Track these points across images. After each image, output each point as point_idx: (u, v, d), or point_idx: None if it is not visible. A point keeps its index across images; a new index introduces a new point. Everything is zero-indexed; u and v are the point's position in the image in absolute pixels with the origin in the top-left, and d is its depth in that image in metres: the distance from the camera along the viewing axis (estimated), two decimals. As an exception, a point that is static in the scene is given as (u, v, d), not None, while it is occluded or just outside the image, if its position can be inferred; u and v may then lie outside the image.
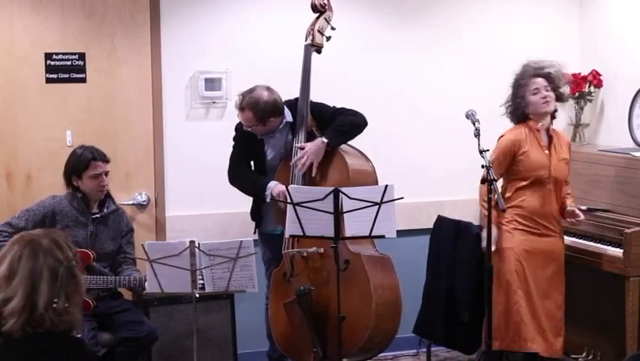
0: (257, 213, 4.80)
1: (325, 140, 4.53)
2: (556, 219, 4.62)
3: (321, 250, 4.45)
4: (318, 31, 4.66)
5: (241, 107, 4.59)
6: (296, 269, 4.56)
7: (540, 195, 4.54)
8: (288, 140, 4.69)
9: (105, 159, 4.49)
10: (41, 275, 2.52)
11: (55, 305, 2.51)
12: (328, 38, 4.70)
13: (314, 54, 4.67)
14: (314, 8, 4.71)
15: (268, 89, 4.60)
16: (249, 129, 4.62)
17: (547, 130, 4.61)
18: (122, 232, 4.59)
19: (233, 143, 4.77)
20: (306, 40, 4.68)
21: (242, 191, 4.76)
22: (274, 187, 4.56)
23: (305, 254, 4.51)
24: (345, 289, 4.20)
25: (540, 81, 4.55)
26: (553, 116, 4.65)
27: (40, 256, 2.55)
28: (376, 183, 4.53)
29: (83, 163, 4.43)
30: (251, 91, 4.59)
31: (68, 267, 2.57)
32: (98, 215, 4.50)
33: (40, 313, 2.50)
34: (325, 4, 4.70)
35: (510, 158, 4.53)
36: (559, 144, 4.64)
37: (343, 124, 4.61)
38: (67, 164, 4.49)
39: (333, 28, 4.69)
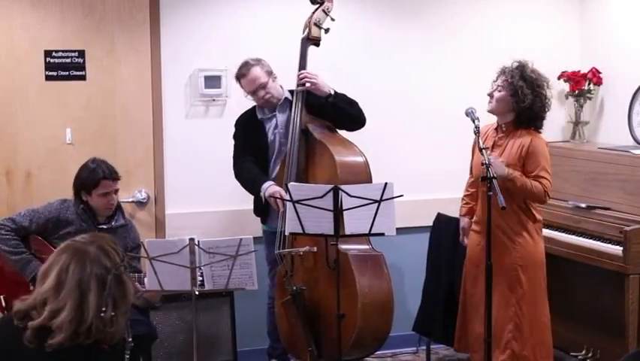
0: (261, 209, 4.73)
1: (332, 91, 4.51)
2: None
3: (314, 250, 4.40)
4: (315, 24, 4.53)
5: (246, 69, 4.56)
6: (293, 268, 4.55)
7: None
8: (287, 117, 4.62)
9: (116, 177, 4.38)
10: (89, 286, 2.49)
11: (102, 314, 2.47)
12: (327, 31, 4.58)
13: (313, 48, 4.58)
14: (312, 0, 4.62)
15: None
16: (260, 95, 4.57)
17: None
18: (126, 248, 4.49)
19: (234, 141, 4.74)
20: (302, 34, 4.60)
21: (245, 189, 4.74)
22: (267, 188, 4.53)
23: (300, 253, 4.45)
24: (334, 288, 4.16)
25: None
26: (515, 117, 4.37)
27: (87, 265, 2.51)
28: (369, 178, 4.48)
29: (93, 181, 4.32)
30: (245, 60, 4.61)
31: (116, 274, 2.53)
32: (104, 227, 4.40)
33: (88, 326, 2.46)
34: None
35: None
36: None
37: (346, 97, 4.61)
38: (77, 178, 4.38)
39: (332, 20, 4.57)
